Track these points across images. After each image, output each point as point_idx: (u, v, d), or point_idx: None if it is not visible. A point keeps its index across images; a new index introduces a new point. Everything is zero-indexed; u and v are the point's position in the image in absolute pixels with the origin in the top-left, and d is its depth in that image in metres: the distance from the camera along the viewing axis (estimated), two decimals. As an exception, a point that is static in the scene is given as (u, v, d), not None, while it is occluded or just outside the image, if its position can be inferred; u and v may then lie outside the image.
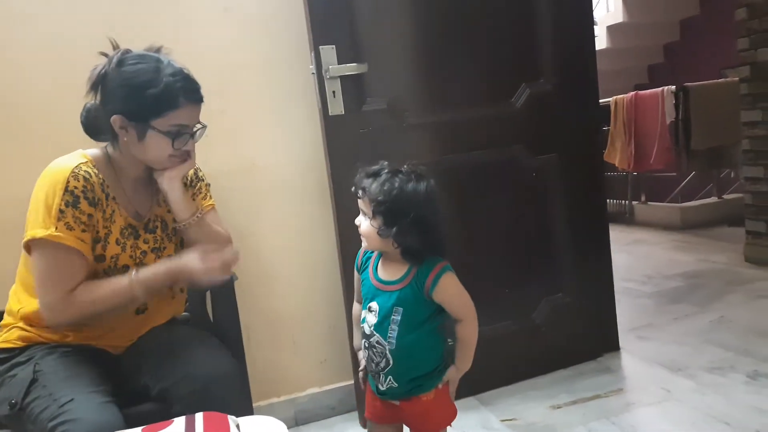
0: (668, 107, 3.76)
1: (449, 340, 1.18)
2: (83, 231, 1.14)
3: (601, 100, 2.17)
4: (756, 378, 1.79)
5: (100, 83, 1.17)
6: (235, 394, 1.16)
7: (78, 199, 1.13)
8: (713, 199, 4.14)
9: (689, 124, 3.73)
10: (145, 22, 1.62)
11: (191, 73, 1.20)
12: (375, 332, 1.13)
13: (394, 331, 1.11)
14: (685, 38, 4.75)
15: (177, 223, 1.26)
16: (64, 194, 1.11)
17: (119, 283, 1.15)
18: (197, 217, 1.26)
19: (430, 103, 1.82)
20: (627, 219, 4.34)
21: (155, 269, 1.18)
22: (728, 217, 3.85)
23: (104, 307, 1.15)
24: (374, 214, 1.10)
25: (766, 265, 2.80)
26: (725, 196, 4.14)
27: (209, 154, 1.33)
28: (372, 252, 1.20)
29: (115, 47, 1.19)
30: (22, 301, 1.21)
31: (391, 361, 1.12)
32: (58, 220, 1.11)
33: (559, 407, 1.77)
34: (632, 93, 4.03)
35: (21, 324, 1.20)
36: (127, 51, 1.18)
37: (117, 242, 1.20)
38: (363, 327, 1.16)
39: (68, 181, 1.12)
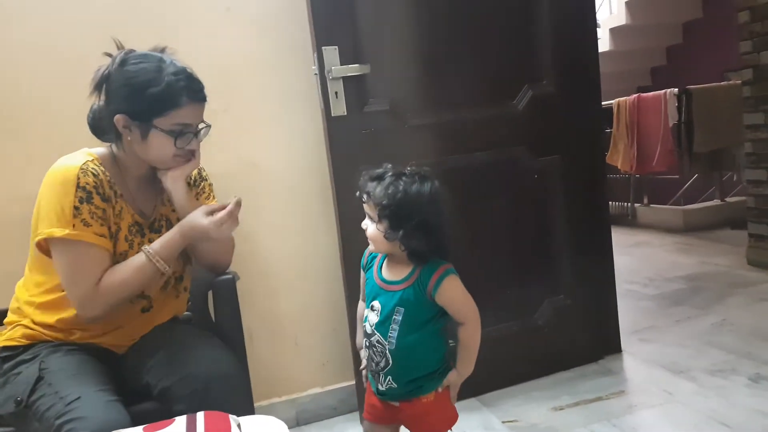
0: (671, 110, 3.75)
1: (451, 341, 1.17)
2: (101, 225, 1.15)
3: (603, 103, 2.17)
4: (758, 381, 1.79)
5: (103, 83, 1.18)
6: (237, 393, 1.16)
7: (91, 194, 1.14)
8: (716, 202, 4.14)
9: (692, 126, 3.72)
10: (146, 22, 1.63)
11: (194, 73, 1.20)
12: (376, 331, 1.13)
13: (394, 331, 1.11)
14: (688, 41, 4.75)
15: None
16: (76, 191, 1.12)
17: (138, 261, 1.17)
18: None
19: (432, 105, 1.82)
20: (629, 221, 4.33)
21: (168, 237, 1.20)
22: (730, 219, 3.84)
23: (134, 288, 1.18)
24: (380, 218, 1.10)
25: (767, 269, 2.79)
26: (728, 199, 4.13)
27: (211, 155, 1.34)
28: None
29: (120, 47, 1.20)
30: (31, 290, 1.22)
31: (390, 361, 1.12)
32: (74, 217, 1.12)
33: (560, 409, 1.77)
34: (635, 95, 4.02)
35: (25, 322, 1.21)
36: (131, 51, 1.19)
37: (125, 239, 1.21)
38: (365, 326, 1.16)
39: (79, 178, 1.13)
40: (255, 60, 1.75)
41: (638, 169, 4.05)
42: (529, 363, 1.96)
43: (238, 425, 0.88)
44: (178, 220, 1.27)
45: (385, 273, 1.16)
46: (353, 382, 1.82)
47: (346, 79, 1.67)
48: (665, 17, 4.74)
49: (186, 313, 1.42)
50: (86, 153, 1.20)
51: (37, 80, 1.57)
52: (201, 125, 1.22)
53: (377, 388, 1.17)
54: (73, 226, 1.11)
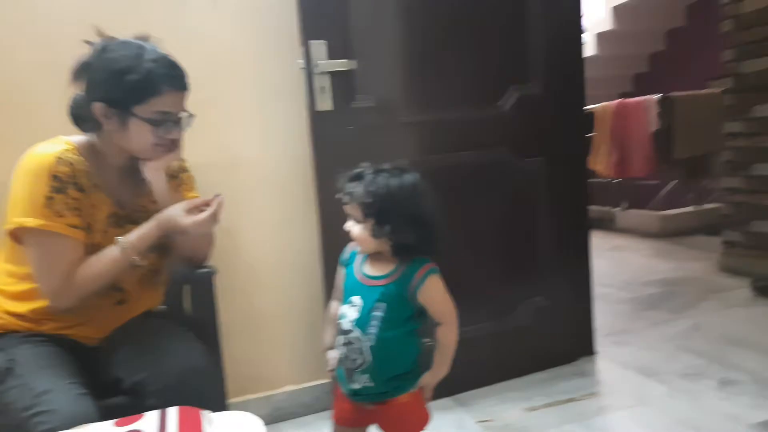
0: (652, 116, 3.81)
1: (427, 340, 1.17)
2: (75, 216, 1.13)
3: (586, 107, 2.19)
4: (727, 385, 1.83)
5: (83, 72, 1.15)
6: (210, 389, 1.16)
7: (66, 185, 1.11)
8: (691, 208, 4.21)
9: (672, 133, 3.78)
10: (131, 12, 1.59)
11: (176, 60, 1.18)
12: (355, 327, 1.12)
13: (375, 327, 1.10)
14: (671, 48, 4.81)
15: None
16: (50, 181, 1.10)
17: (113, 253, 1.15)
18: None
19: (418, 103, 1.82)
20: (608, 225, 4.39)
21: (144, 229, 1.18)
22: (705, 226, 3.91)
23: (106, 280, 1.16)
24: (365, 217, 1.09)
25: (739, 275, 2.85)
26: (703, 206, 4.20)
27: (192, 146, 1.31)
28: None
29: (101, 36, 1.17)
30: (2, 279, 1.20)
31: (368, 358, 1.11)
32: (47, 207, 1.09)
33: (534, 409, 1.78)
34: (617, 101, 4.07)
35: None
36: (111, 39, 1.17)
37: (102, 230, 1.19)
38: (342, 323, 1.15)
39: (53, 167, 1.10)
40: (241, 51, 1.73)
41: (618, 174, 4.10)
42: (505, 363, 1.98)
43: (210, 421, 0.87)
44: (158, 211, 1.24)
45: (368, 269, 1.15)
46: (329, 380, 1.81)
47: (333, 74, 1.66)
48: (650, 24, 4.79)
49: (160, 306, 1.40)
50: (63, 141, 1.17)
51: (15, 65, 1.52)
52: (183, 114, 1.20)
53: (350, 389, 1.16)
54: (46, 216, 1.09)
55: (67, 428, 0.87)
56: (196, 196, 1.36)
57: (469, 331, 1.77)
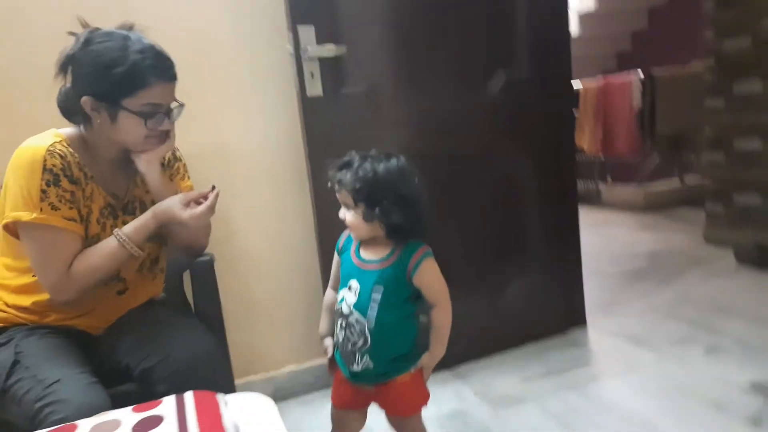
0: (636, 94, 3.86)
1: (422, 316, 1.19)
2: (70, 208, 1.13)
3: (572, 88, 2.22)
4: (713, 350, 1.89)
5: (68, 64, 1.15)
6: (218, 373, 1.17)
7: (58, 177, 1.11)
8: (675, 182, 4.29)
9: (655, 110, 3.84)
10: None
11: (163, 50, 1.17)
12: (354, 310, 1.14)
13: (374, 309, 1.13)
14: (653, 26, 4.84)
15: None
16: (43, 174, 1.10)
17: (110, 245, 1.16)
18: None
19: (407, 89, 1.84)
20: (594, 200, 4.45)
21: (141, 221, 1.19)
22: (688, 198, 3.99)
23: (105, 272, 1.17)
24: (356, 203, 1.11)
25: (722, 245, 2.92)
26: (686, 180, 4.28)
27: (183, 134, 1.31)
28: None
29: (84, 26, 1.16)
30: (2, 272, 1.20)
31: (369, 340, 1.13)
32: (42, 201, 1.09)
33: (530, 379, 1.84)
34: (601, 79, 4.11)
35: (-2, 305, 1.19)
36: (96, 30, 1.15)
37: (97, 221, 1.19)
38: (340, 307, 1.17)
39: (45, 160, 1.10)
40: (229, 37, 1.72)
41: (604, 151, 4.15)
42: (500, 336, 2.03)
43: (226, 403, 0.88)
44: (153, 201, 1.26)
45: (363, 253, 1.18)
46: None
47: (322, 60, 1.67)
48: (631, 3, 4.82)
49: (161, 294, 1.41)
50: (54, 134, 1.16)
51: (3, 58, 1.52)
52: (174, 104, 1.20)
53: (351, 372, 1.18)
54: (41, 210, 1.09)
55: (79, 417, 0.88)
56: (190, 185, 1.36)
57: (466, 305, 1.83)
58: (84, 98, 1.13)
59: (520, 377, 1.86)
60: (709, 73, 2.97)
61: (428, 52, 1.83)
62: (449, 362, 1.92)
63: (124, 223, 1.21)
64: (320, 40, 1.66)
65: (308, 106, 1.69)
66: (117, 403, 0.99)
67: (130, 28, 1.18)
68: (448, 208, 1.88)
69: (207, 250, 1.37)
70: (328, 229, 1.65)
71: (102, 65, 1.11)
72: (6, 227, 1.14)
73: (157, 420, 0.81)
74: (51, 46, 1.16)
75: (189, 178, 1.38)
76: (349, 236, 1.22)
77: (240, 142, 1.77)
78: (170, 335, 1.19)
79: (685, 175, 4.27)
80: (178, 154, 1.37)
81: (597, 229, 3.73)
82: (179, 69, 1.19)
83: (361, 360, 1.14)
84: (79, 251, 1.14)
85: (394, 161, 1.13)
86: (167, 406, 0.86)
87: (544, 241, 2.07)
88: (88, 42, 1.13)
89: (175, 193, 1.25)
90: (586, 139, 4.18)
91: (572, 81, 2.13)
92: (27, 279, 1.17)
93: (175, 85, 1.18)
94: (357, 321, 1.14)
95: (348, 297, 1.16)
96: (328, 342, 1.23)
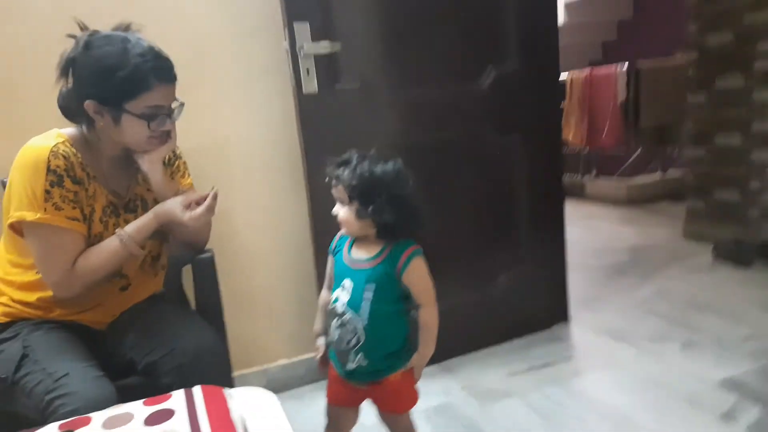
0: (621, 86, 3.91)
1: (413, 312, 1.22)
2: (73, 208, 1.15)
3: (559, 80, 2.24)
4: (690, 346, 1.97)
5: (69, 68, 1.15)
6: (220, 366, 1.21)
7: (62, 177, 1.13)
8: (657, 176, 4.37)
9: (638, 102, 3.89)
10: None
11: (162, 51, 1.18)
12: (348, 309, 1.17)
13: (366, 307, 1.16)
14: (638, 16, 4.88)
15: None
16: (47, 175, 1.11)
17: (112, 244, 1.18)
18: None
19: (401, 83, 1.86)
20: (579, 193, 4.52)
21: (142, 221, 1.21)
22: (670, 193, 4.08)
23: (107, 271, 1.19)
24: (350, 199, 1.15)
25: (702, 241, 3.00)
26: (668, 174, 4.36)
27: (182, 130, 1.31)
28: (347, 236, 1.24)
29: (83, 28, 1.17)
30: (7, 269, 1.22)
31: (362, 338, 1.16)
32: (46, 201, 1.11)
33: (515, 374, 1.90)
34: (587, 70, 4.15)
35: (4, 299, 1.21)
36: (95, 33, 1.16)
37: (100, 220, 1.21)
38: (335, 307, 1.19)
39: (49, 161, 1.12)
40: (225, 34, 1.72)
41: (588, 143, 4.21)
42: (486, 331, 2.09)
43: (231, 397, 0.92)
44: (154, 199, 1.28)
45: (355, 253, 1.21)
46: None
47: (318, 57, 1.68)
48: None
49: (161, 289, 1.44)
50: (57, 134, 1.18)
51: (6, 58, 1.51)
52: (174, 104, 1.21)
53: (345, 370, 1.21)
54: (45, 210, 1.11)
55: (88, 409, 0.91)
56: (190, 182, 1.39)
57: (453, 301, 1.87)
58: (87, 102, 1.14)
59: (505, 372, 1.92)
60: (692, 67, 3.02)
61: (421, 44, 1.84)
62: (437, 356, 1.95)
63: (126, 221, 1.24)
64: (315, 36, 1.66)
65: (304, 103, 1.71)
66: (123, 395, 1.03)
67: (127, 28, 1.19)
68: (437, 200, 1.90)
69: (207, 246, 1.40)
70: (323, 225, 1.67)
71: (103, 70, 1.12)
72: (11, 226, 1.16)
73: (169, 413, 0.85)
74: (51, 46, 1.16)
75: (189, 175, 1.40)
76: (342, 237, 1.25)
77: (236, 138, 1.78)
78: (174, 330, 1.22)
79: (668, 169, 4.35)
80: (177, 152, 1.39)
81: (581, 222, 3.81)
82: (178, 65, 1.20)
83: (354, 358, 1.18)
84: (82, 250, 1.17)
85: (391, 164, 1.16)
86: (177, 399, 0.89)
87: (530, 235, 2.11)
88: (88, 46, 1.13)
89: (177, 191, 1.28)
90: (571, 131, 4.23)
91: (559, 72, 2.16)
92: (32, 276, 1.19)
93: (174, 85, 1.20)
94: (350, 319, 1.17)
95: (342, 296, 1.19)
96: (321, 341, 1.27)
